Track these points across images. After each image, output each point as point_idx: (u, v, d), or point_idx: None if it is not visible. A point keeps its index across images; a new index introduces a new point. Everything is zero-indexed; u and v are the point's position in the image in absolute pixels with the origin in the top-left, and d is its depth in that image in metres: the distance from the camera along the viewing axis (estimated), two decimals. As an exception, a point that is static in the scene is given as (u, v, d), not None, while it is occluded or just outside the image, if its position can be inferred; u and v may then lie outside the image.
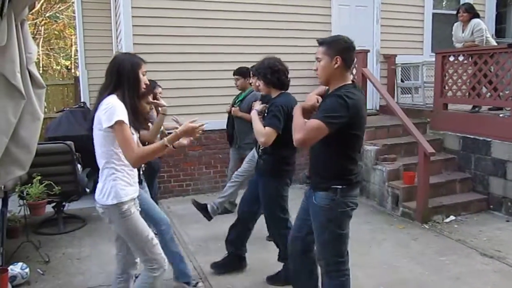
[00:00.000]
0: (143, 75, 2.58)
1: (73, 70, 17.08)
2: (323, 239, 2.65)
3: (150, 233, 2.57)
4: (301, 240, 2.88)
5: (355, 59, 2.67)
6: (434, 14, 7.90)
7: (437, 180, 5.60)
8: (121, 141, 2.37)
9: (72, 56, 18.08)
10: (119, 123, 2.35)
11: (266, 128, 3.26)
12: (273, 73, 3.46)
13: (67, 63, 18.93)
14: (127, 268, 2.73)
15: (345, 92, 2.46)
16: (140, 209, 2.66)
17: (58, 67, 18.30)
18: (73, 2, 11.89)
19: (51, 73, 16.47)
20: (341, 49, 2.50)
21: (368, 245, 4.53)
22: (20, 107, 2.83)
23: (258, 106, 3.49)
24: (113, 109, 2.37)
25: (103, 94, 2.49)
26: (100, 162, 2.50)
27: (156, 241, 2.61)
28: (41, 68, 16.75)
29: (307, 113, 2.67)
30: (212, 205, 4.67)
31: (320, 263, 2.75)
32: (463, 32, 6.23)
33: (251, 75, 4.16)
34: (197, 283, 3.61)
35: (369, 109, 6.78)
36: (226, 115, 6.21)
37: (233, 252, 3.88)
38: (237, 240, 3.85)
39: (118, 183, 2.46)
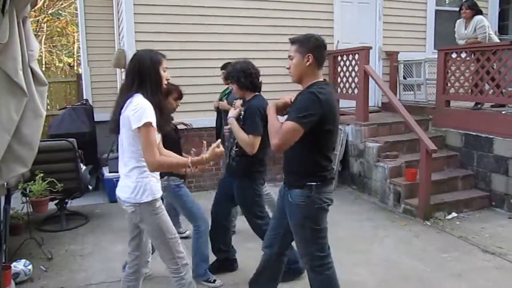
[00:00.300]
0: (164, 71, 2.59)
1: (75, 68, 17.11)
2: (303, 236, 2.67)
3: (175, 230, 2.62)
4: (279, 241, 2.89)
5: (327, 57, 2.69)
6: (436, 11, 7.88)
7: (439, 177, 5.59)
8: (145, 144, 2.39)
9: (75, 53, 18.10)
10: (147, 125, 2.38)
11: (250, 136, 3.31)
12: (246, 77, 3.52)
13: (70, 60, 18.95)
14: (140, 268, 2.76)
15: (317, 88, 2.49)
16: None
17: (61, 65, 18.32)
18: (75, -1, 11.89)
19: (54, 70, 16.51)
20: (312, 47, 2.54)
21: (370, 242, 4.54)
22: (22, 105, 2.83)
23: (233, 112, 3.49)
24: (142, 110, 2.40)
25: (126, 93, 2.50)
26: (129, 161, 2.52)
27: (179, 239, 2.65)
28: (43, 66, 16.77)
29: (280, 111, 2.73)
30: None
31: (304, 260, 2.78)
32: (465, 29, 6.21)
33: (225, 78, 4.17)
34: (214, 280, 3.63)
35: (371, 106, 6.77)
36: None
37: (222, 257, 3.87)
38: (220, 244, 3.83)
39: (151, 180, 2.52)
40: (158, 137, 2.53)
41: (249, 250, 4.08)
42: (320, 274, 2.72)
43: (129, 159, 2.52)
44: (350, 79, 6.65)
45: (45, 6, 16.82)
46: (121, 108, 2.49)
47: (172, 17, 6.17)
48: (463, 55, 6.15)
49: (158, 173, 2.60)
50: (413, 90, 7.42)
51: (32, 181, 4.51)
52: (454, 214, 5.25)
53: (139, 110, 2.40)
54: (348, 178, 6.62)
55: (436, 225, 4.99)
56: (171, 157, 2.64)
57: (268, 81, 6.66)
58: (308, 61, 2.52)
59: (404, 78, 7.52)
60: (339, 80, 6.96)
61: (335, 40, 7.15)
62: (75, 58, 18.17)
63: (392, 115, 6.63)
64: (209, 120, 6.29)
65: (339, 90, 6.97)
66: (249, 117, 3.37)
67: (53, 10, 17.53)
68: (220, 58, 6.36)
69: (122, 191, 2.55)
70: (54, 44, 19.26)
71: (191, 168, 2.46)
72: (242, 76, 3.52)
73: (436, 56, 6.47)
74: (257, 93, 3.58)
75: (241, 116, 3.45)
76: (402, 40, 7.59)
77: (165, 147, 2.79)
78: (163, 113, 2.53)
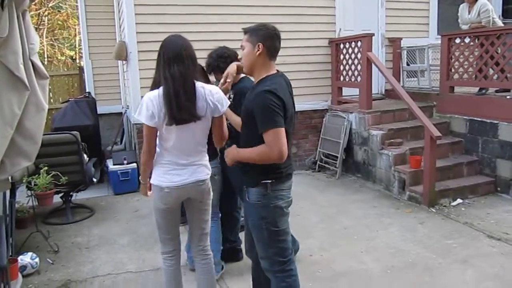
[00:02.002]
0: None
1: (77, 60, 17.08)
2: (260, 238, 2.54)
3: None
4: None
5: (279, 47, 2.55)
6: (439, -4, 7.79)
7: (444, 163, 5.57)
8: (223, 126, 2.74)
9: (77, 46, 18.07)
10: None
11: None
12: (226, 61, 3.46)
13: (72, 53, 18.92)
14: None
15: (271, 85, 2.35)
16: None
17: (63, 58, 18.30)
18: (75, -8, 11.83)
19: (56, 63, 16.49)
20: (263, 36, 2.43)
21: (375, 229, 4.54)
22: (24, 98, 2.83)
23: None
24: (223, 96, 2.62)
25: (193, 79, 2.53)
26: (203, 145, 2.69)
27: None
28: (45, 59, 16.75)
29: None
30: None
31: (263, 264, 2.60)
32: (469, 13, 6.14)
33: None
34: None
35: (374, 94, 6.73)
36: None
37: (229, 246, 3.86)
38: (228, 234, 3.82)
39: None
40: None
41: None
42: (282, 281, 2.55)
43: (203, 144, 2.71)
44: (353, 67, 6.60)
45: (45, -1, 16.75)
46: (196, 95, 2.54)
47: (173, 8, 6.13)
48: (467, 40, 6.09)
49: None
50: (416, 77, 7.37)
51: (37, 175, 4.53)
52: (459, 201, 5.24)
53: (221, 95, 2.65)
54: (352, 166, 6.61)
55: (441, 211, 4.98)
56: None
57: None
58: (258, 50, 2.40)
59: (408, 64, 7.46)
60: (341, 68, 6.92)
61: (337, 28, 7.09)
62: (77, 51, 18.15)
63: (396, 102, 6.59)
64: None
65: (341, 78, 6.93)
66: (240, 99, 3.26)
67: (53, 3, 17.47)
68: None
69: (204, 171, 2.71)
70: (55, 37, 19.22)
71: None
72: (221, 62, 3.48)
73: (439, 41, 6.40)
74: (242, 75, 3.48)
75: (230, 100, 3.34)
76: (405, 26, 7.51)
77: None
78: None
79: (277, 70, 2.53)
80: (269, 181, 2.42)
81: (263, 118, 2.30)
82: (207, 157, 2.76)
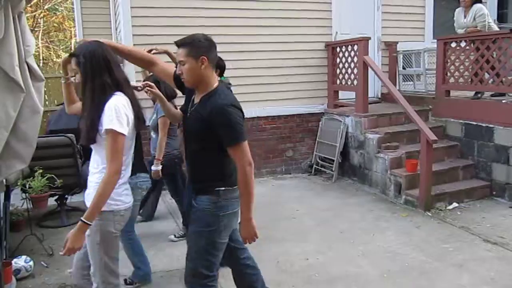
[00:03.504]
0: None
1: (73, 63, 16.99)
2: (196, 246, 2.44)
3: None
4: (229, 249, 2.66)
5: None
6: (435, 0, 7.82)
7: (440, 167, 5.58)
8: None
9: (72, 48, 18.01)
10: None
11: None
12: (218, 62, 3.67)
13: (67, 55, 18.86)
14: None
15: (228, 97, 2.33)
16: None
17: (58, 60, 18.23)
18: (71, -6, 11.81)
19: (51, 65, 16.43)
20: (205, 49, 2.33)
21: (371, 233, 4.53)
22: (19, 101, 2.81)
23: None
24: None
25: None
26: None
27: None
28: (41, 61, 16.71)
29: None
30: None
31: (186, 275, 2.50)
32: (465, 17, 6.16)
33: None
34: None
35: (370, 97, 6.74)
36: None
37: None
38: None
39: None
40: None
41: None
42: None
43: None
44: (349, 70, 6.61)
45: (41, 1, 16.73)
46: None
47: (169, 10, 6.13)
48: (463, 44, 6.11)
49: None
50: (412, 81, 7.39)
51: (32, 177, 4.50)
52: (455, 204, 5.24)
53: None
54: (348, 169, 6.61)
55: (437, 215, 4.99)
56: None
57: (264, 74, 6.69)
58: (202, 64, 2.29)
59: (404, 68, 7.48)
60: (338, 71, 6.92)
61: (334, 31, 7.11)
62: (74, 53, 18.04)
63: (392, 106, 6.61)
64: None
65: (338, 81, 6.94)
66: None
67: (49, 5, 17.45)
68: (218, 51, 6.34)
69: None
70: (51, 40, 19.18)
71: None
72: None
73: (435, 45, 6.43)
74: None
75: None
76: (401, 30, 7.54)
77: None
78: None
79: (220, 80, 2.48)
80: (223, 188, 2.38)
81: (231, 133, 2.28)
82: None
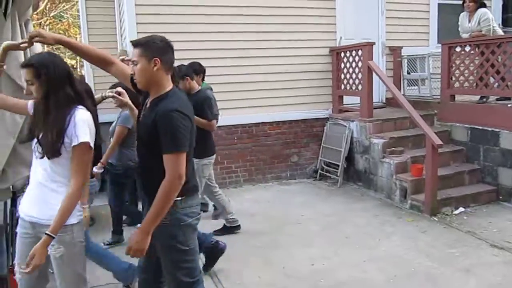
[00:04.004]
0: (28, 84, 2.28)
1: (78, 69, 17.14)
2: (169, 259, 2.38)
3: None
4: (153, 267, 2.52)
5: (174, 60, 2.36)
6: (439, 5, 7.82)
7: (446, 172, 5.56)
8: None
9: (78, 55, 18.11)
10: None
11: None
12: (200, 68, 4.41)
13: (73, 62, 18.99)
14: None
15: (176, 102, 2.23)
16: None
17: (64, 66, 18.37)
18: (77, 1, 11.91)
19: (57, 72, 16.51)
20: (159, 50, 2.24)
21: (377, 238, 4.52)
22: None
23: None
24: None
25: None
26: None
27: None
28: (47, 68, 16.82)
29: None
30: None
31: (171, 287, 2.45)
32: (469, 22, 6.16)
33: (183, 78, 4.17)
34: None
35: (375, 102, 6.73)
36: (231, 111, 6.23)
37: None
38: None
39: None
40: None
41: (256, 248, 4.07)
42: None
43: None
44: (353, 75, 6.62)
45: (47, 8, 16.87)
46: None
47: (174, 17, 6.16)
48: (468, 48, 6.10)
49: None
50: (417, 85, 7.38)
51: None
52: (461, 209, 5.22)
53: None
54: (353, 174, 6.59)
55: (443, 220, 4.96)
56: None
57: (269, 79, 6.71)
58: (155, 65, 2.21)
59: (408, 73, 7.48)
60: (342, 76, 6.93)
61: (338, 36, 7.12)
62: (78, 60, 18.19)
63: (397, 111, 6.59)
64: (222, 119, 6.27)
65: (342, 86, 6.94)
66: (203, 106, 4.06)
67: (55, 13, 17.59)
68: (223, 57, 6.39)
69: None
70: (57, 47, 19.31)
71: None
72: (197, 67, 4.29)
73: (440, 50, 6.42)
74: (198, 88, 4.29)
75: None
76: (405, 35, 7.54)
77: None
78: None
79: (175, 85, 2.39)
80: (179, 198, 2.26)
81: (171, 140, 2.16)
82: None
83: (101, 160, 4.12)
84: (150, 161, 2.29)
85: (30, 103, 2.36)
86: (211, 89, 4.77)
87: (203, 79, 4.78)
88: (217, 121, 4.50)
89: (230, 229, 4.69)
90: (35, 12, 12.10)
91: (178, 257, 2.36)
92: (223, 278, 3.72)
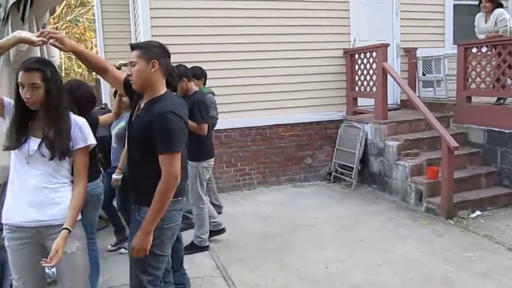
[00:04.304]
0: (22, 86, 2.19)
1: (94, 73, 17.32)
2: (139, 261, 2.35)
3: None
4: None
5: (170, 65, 2.43)
6: (455, 5, 7.74)
7: (462, 174, 5.49)
8: None
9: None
10: None
11: None
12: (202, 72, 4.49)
13: (89, 65, 19.20)
14: None
15: (171, 104, 2.27)
16: None
17: (80, 70, 18.60)
18: (92, 5, 12.07)
19: (73, 76, 16.75)
20: (157, 53, 2.33)
21: (392, 241, 4.47)
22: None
23: None
24: None
25: None
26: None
27: None
28: (63, 71, 17.06)
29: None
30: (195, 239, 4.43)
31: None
32: (486, 22, 6.08)
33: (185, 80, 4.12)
34: None
35: (390, 104, 6.69)
36: (245, 113, 6.24)
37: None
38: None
39: None
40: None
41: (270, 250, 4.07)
42: None
43: None
44: (368, 77, 6.58)
45: (63, 13, 17.11)
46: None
47: (188, 20, 6.20)
48: (484, 49, 6.03)
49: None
50: (432, 87, 7.31)
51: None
52: (478, 212, 5.14)
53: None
54: (368, 177, 6.55)
55: (460, 223, 4.90)
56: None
57: (282, 81, 6.70)
58: (153, 67, 2.29)
59: (423, 74, 7.41)
60: (356, 78, 6.90)
61: (352, 38, 7.09)
62: (94, 63, 18.38)
63: (412, 113, 6.54)
64: (226, 121, 6.31)
65: (357, 88, 6.91)
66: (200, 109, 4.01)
67: (71, 17, 17.83)
68: (237, 60, 6.41)
69: None
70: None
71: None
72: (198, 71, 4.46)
73: (455, 51, 6.35)
74: (195, 89, 4.24)
75: None
76: (420, 36, 7.48)
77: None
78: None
79: (169, 89, 2.44)
80: None
81: (165, 140, 2.21)
82: None
83: (119, 166, 4.14)
84: (141, 162, 2.34)
85: (6, 100, 2.32)
86: (213, 93, 4.75)
87: (204, 83, 4.78)
88: (213, 126, 4.46)
89: (199, 248, 4.36)
90: (52, 17, 12.29)
91: (148, 260, 2.33)
92: (237, 281, 3.72)
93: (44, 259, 2.14)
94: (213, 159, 4.44)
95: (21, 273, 2.31)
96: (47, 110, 2.22)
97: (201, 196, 4.31)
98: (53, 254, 2.13)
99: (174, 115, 2.22)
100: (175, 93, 3.22)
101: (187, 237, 4.26)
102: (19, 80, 2.19)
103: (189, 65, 6.25)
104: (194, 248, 4.32)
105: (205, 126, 4.13)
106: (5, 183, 2.40)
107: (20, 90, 2.19)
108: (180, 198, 2.40)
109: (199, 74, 4.64)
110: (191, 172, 4.25)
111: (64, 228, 2.18)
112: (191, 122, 3.86)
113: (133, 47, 2.36)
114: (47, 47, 3.00)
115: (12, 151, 2.24)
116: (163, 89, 2.36)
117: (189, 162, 4.16)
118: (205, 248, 4.38)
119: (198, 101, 4.10)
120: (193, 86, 4.26)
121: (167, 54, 2.40)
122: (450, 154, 5.00)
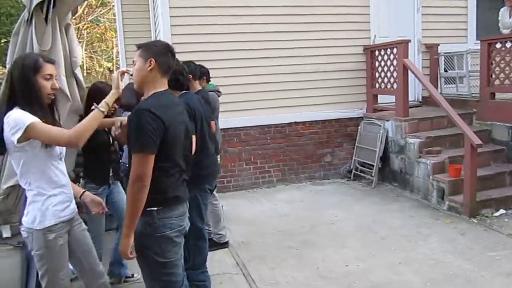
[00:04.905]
0: (47, 79, 2.24)
1: (114, 72, 17.57)
2: (146, 267, 2.32)
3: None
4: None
5: (173, 64, 2.37)
6: (478, 0, 7.58)
7: (485, 172, 5.39)
8: (48, 137, 2.15)
9: (114, 58, 18.60)
10: (31, 126, 2.09)
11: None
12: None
13: (109, 65, 19.51)
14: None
15: (152, 102, 2.20)
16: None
17: (101, 69, 18.89)
18: (113, 5, 12.21)
19: (95, 75, 17.03)
20: (156, 52, 2.28)
21: (413, 240, 4.42)
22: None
23: None
24: (13, 119, 2.11)
25: (1, 109, 2.18)
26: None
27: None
28: (85, 71, 17.35)
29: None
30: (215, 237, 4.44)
31: None
32: (510, 17, 5.95)
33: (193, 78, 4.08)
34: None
35: (411, 101, 6.60)
36: (264, 111, 6.23)
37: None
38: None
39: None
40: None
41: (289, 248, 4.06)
42: None
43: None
44: (388, 74, 6.50)
45: (85, 13, 17.38)
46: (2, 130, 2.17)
47: (207, 19, 6.22)
48: (508, 45, 5.89)
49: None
50: (455, 83, 7.18)
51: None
52: (502, 211, 5.04)
53: (10, 124, 2.12)
54: (388, 175, 6.48)
55: (483, 222, 4.81)
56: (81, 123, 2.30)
57: (301, 79, 6.68)
58: (150, 66, 2.25)
59: (445, 71, 7.29)
60: (377, 75, 6.82)
61: (372, 35, 7.01)
62: (114, 63, 18.67)
63: (434, 110, 6.44)
64: (246, 119, 6.32)
65: (377, 85, 6.84)
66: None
67: (92, 17, 18.10)
68: (255, 57, 6.41)
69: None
70: (94, 50, 19.88)
71: (105, 111, 2.30)
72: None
73: (478, 47, 6.23)
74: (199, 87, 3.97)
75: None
76: (442, 32, 7.35)
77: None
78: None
79: (167, 89, 2.37)
80: (155, 208, 2.21)
81: (136, 139, 2.13)
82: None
83: None
84: (130, 158, 2.27)
85: None
86: (218, 91, 4.70)
87: (208, 81, 4.77)
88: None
89: (219, 244, 4.40)
90: (74, 17, 12.51)
91: (154, 268, 2.29)
92: (257, 279, 3.72)
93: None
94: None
95: (77, 263, 2.50)
96: (54, 100, 2.36)
97: (213, 193, 4.30)
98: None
99: (149, 114, 2.12)
100: (184, 92, 3.27)
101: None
102: (48, 72, 2.23)
103: (211, 63, 6.30)
104: (214, 245, 4.34)
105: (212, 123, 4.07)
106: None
107: (45, 83, 2.22)
108: (174, 205, 2.28)
109: (204, 72, 4.64)
110: None
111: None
112: None
113: (137, 46, 2.36)
114: (70, 47, 3.04)
115: (39, 150, 2.23)
116: (160, 88, 2.31)
117: None
118: (225, 245, 4.40)
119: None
120: (197, 85, 4.27)
121: (169, 53, 2.33)
122: (473, 151, 4.91)
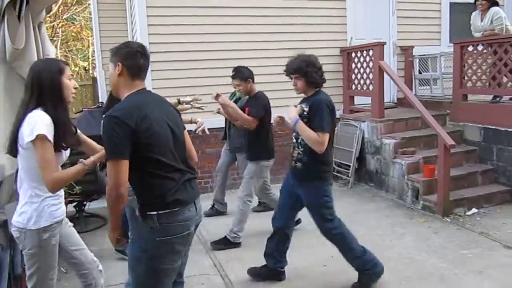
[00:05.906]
0: (69, 79, 2.37)
1: (90, 71, 17.30)
2: (137, 273, 2.22)
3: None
4: (284, 215, 3.12)
5: (145, 65, 2.29)
6: (451, 4, 7.76)
7: (458, 172, 5.51)
8: (40, 160, 2.18)
9: (90, 57, 18.32)
10: (40, 137, 2.16)
11: (319, 134, 3.16)
12: (318, 71, 3.35)
13: (85, 64, 19.19)
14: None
15: (118, 107, 2.13)
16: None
17: (76, 69, 18.56)
18: (89, 4, 12.03)
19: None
20: (122, 55, 2.20)
21: (388, 239, 4.49)
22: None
23: (294, 111, 3.34)
24: (33, 122, 2.18)
25: (24, 110, 2.26)
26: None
27: None
28: (59, 70, 17.00)
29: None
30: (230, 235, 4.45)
31: None
32: (482, 21, 6.11)
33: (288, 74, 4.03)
34: None
35: (386, 102, 6.70)
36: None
37: (273, 265, 3.66)
38: (276, 253, 3.63)
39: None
40: (62, 155, 2.40)
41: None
42: None
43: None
44: (364, 76, 6.59)
45: (60, 11, 17.06)
46: (19, 127, 2.24)
47: (185, 19, 6.19)
48: (480, 47, 6.05)
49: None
50: (429, 85, 7.33)
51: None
52: (474, 210, 5.17)
53: (31, 123, 2.19)
54: (365, 175, 6.56)
55: (456, 221, 4.92)
56: (66, 169, 2.35)
57: (279, 80, 6.64)
58: (118, 70, 2.19)
59: (420, 72, 7.43)
60: (353, 77, 6.90)
61: (349, 37, 7.10)
62: (90, 62, 18.39)
63: (408, 111, 6.55)
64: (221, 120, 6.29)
65: (353, 86, 6.91)
66: (317, 113, 3.18)
67: (67, 15, 17.78)
68: (233, 58, 6.38)
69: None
70: (69, 49, 19.52)
71: (86, 166, 2.30)
72: (314, 71, 3.34)
73: (452, 49, 6.37)
74: (319, 88, 3.44)
75: (304, 113, 3.28)
76: (416, 35, 7.49)
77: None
78: (64, 132, 2.32)
79: (143, 88, 2.27)
80: (155, 212, 2.12)
81: (105, 146, 2.10)
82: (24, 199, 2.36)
83: None
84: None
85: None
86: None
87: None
88: (261, 120, 4.37)
89: (232, 243, 4.42)
90: (48, 15, 12.28)
91: (146, 274, 2.20)
92: (233, 279, 3.73)
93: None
94: (273, 160, 4.51)
95: (71, 257, 2.64)
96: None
97: (251, 193, 4.43)
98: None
99: (113, 119, 2.05)
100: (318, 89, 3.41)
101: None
102: (70, 73, 2.38)
103: (189, 64, 6.28)
104: (227, 243, 4.33)
105: (252, 119, 4.25)
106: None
107: (69, 82, 2.35)
108: (177, 209, 2.16)
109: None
110: (250, 168, 4.42)
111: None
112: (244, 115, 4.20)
113: (110, 50, 2.31)
114: (43, 46, 2.99)
115: (58, 152, 2.32)
116: (132, 90, 2.23)
117: (249, 161, 4.44)
118: (237, 245, 4.38)
119: (258, 98, 4.46)
120: (255, 87, 4.45)
121: (140, 55, 2.23)
122: (447, 152, 5.02)
